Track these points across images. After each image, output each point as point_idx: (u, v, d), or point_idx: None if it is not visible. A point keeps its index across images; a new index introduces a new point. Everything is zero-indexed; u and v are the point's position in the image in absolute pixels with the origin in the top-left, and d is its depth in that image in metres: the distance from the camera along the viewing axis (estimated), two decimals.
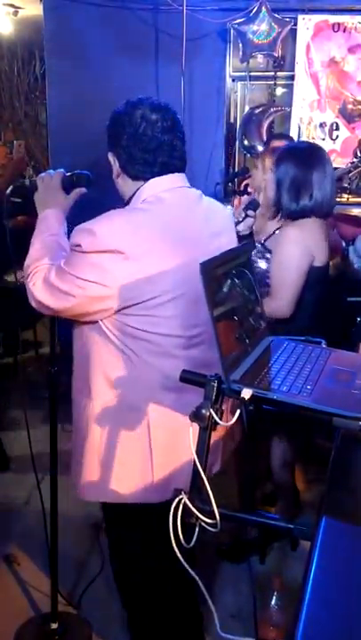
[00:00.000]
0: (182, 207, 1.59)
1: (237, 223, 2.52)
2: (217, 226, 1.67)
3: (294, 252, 2.20)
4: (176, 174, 1.58)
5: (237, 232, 2.53)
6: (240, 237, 2.53)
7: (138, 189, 1.57)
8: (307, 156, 2.24)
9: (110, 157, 1.62)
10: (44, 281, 1.55)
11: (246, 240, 2.53)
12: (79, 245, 1.48)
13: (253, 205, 2.49)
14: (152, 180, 1.56)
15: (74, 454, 1.71)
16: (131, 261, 1.45)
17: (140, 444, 1.58)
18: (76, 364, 1.69)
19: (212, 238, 1.61)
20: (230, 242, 1.71)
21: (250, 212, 2.49)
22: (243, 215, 2.50)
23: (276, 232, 2.42)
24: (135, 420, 1.57)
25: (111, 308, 1.50)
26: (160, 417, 1.56)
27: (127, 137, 1.54)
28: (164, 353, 1.54)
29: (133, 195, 1.58)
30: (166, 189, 1.56)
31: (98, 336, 1.57)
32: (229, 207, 2.90)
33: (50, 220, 1.70)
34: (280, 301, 2.21)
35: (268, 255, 2.44)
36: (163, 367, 1.54)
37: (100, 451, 1.61)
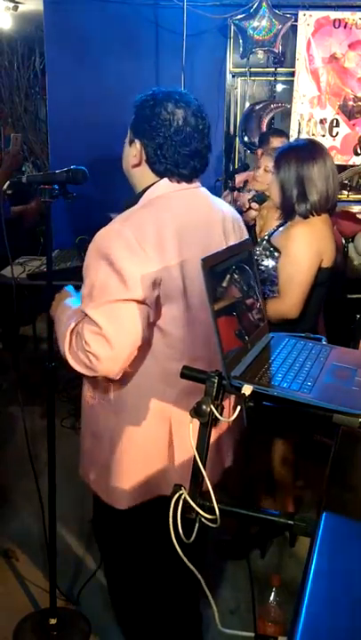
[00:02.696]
0: (195, 205, 1.58)
1: (240, 213, 2.51)
2: (228, 227, 1.67)
3: (307, 252, 2.15)
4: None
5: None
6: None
7: (153, 184, 1.54)
8: (305, 151, 2.21)
9: (134, 145, 1.55)
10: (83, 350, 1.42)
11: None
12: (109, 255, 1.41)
13: (259, 199, 2.47)
14: (168, 180, 1.54)
15: (93, 461, 1.69)
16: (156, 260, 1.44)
17: (162, 434, 1.59)
18: None
19: (225, 236, 1.63)
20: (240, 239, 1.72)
21: (254, 205, 2.48)
22: (247, 206, 2.50)
23: (281, 228, 2.36)
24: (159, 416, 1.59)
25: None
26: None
27: (166, 134, 1.49)
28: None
29: (147, 188, 1.54)
30: (183, 188, 1.55)
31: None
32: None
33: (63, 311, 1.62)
34: (290, 302, 2.15)
35: (276, 253, 2.41)
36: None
37: (135, 453, 1.60)
